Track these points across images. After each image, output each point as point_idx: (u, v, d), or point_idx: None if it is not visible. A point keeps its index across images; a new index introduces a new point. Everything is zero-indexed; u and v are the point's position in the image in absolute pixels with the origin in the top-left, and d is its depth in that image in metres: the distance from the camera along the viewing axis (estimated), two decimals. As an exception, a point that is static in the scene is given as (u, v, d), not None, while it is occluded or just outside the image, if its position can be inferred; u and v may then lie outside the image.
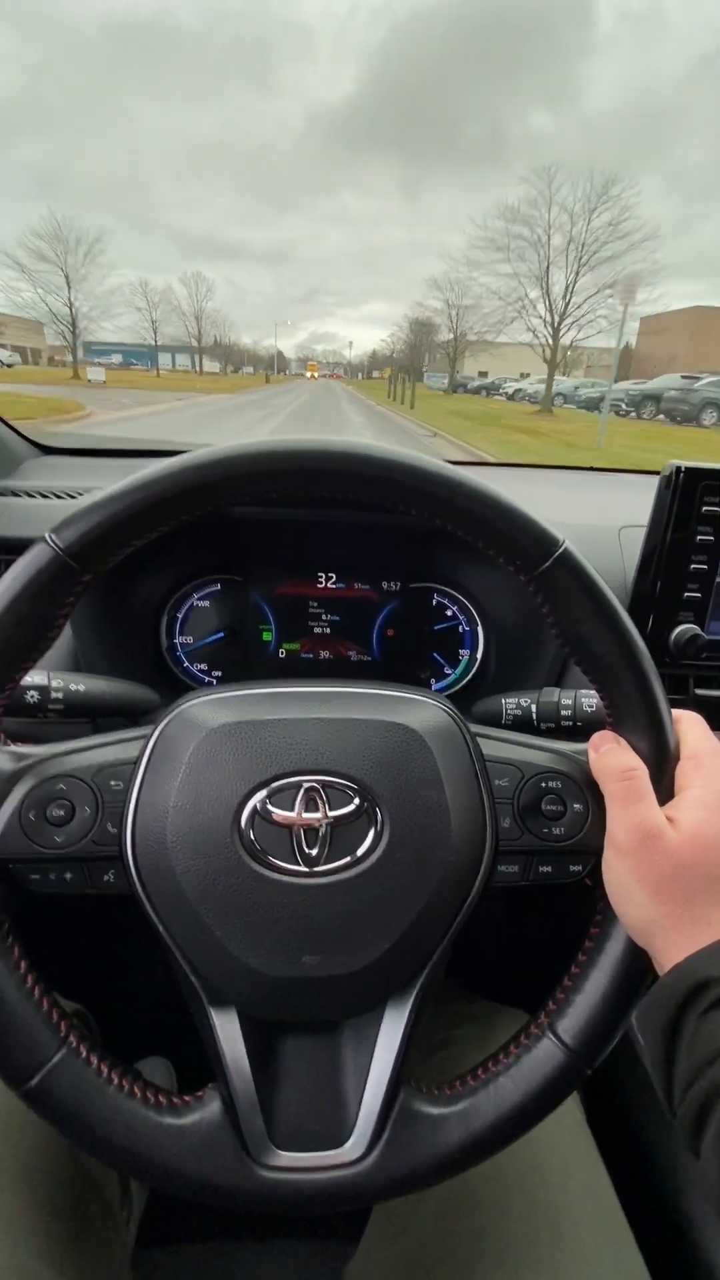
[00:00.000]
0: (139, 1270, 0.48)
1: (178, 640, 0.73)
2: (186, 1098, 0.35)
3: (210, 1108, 0.35)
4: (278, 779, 0.34)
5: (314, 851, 0.34)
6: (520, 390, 24.99)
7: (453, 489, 0.33)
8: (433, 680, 0.75)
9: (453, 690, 0.75)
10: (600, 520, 0.72)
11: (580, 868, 0.37)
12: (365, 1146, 0.35)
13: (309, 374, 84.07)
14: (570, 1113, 0.50)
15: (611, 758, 0.35)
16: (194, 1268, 0.52)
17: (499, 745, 0.39)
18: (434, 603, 0.75)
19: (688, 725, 0.36)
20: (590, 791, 0.37)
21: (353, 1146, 0.35)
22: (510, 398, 25.66)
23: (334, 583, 0.73)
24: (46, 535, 0.33)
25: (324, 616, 0.74)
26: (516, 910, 0.89)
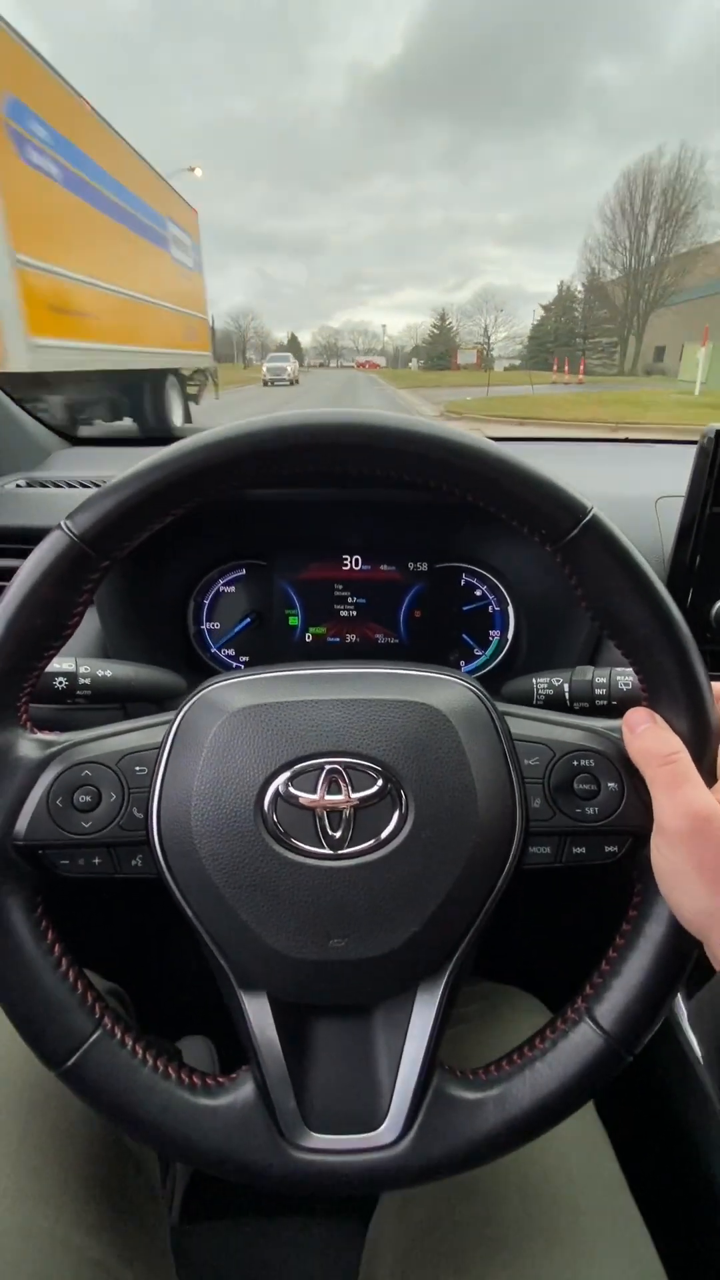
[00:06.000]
0: (179, 1246, 0.49)
1: (205, 626, 0.73)
2: (221, 1079, 0.36)
3: (244, 1089, 0.35)
4: (299, 761, 0.34)
5: (338, 834, 0.33)
6: None
7: (473, 458, 0.32)
8: (462, 662, 0.74)
9: (483, 672, 0.74)
10: (636, 491, 0.69)
11: (616, 849, 0.36)
12: (399, 1130, 0.34)
13: (269, 374, 29.90)
14: None
15: (650, 739, 0.33)
16: (231, 1244, 0.53)
17: (528, 724, 0.38)
18: (462, 583, 0.73)
19: None
20: (625, 770, 0.36)
21: (387, 1130, 0.35)
22: None
23: (359, 565, 0.73)
24: (61, 523, 0.33)
25: (350, 599, 0.73)
26: (520, 893, 0.88)
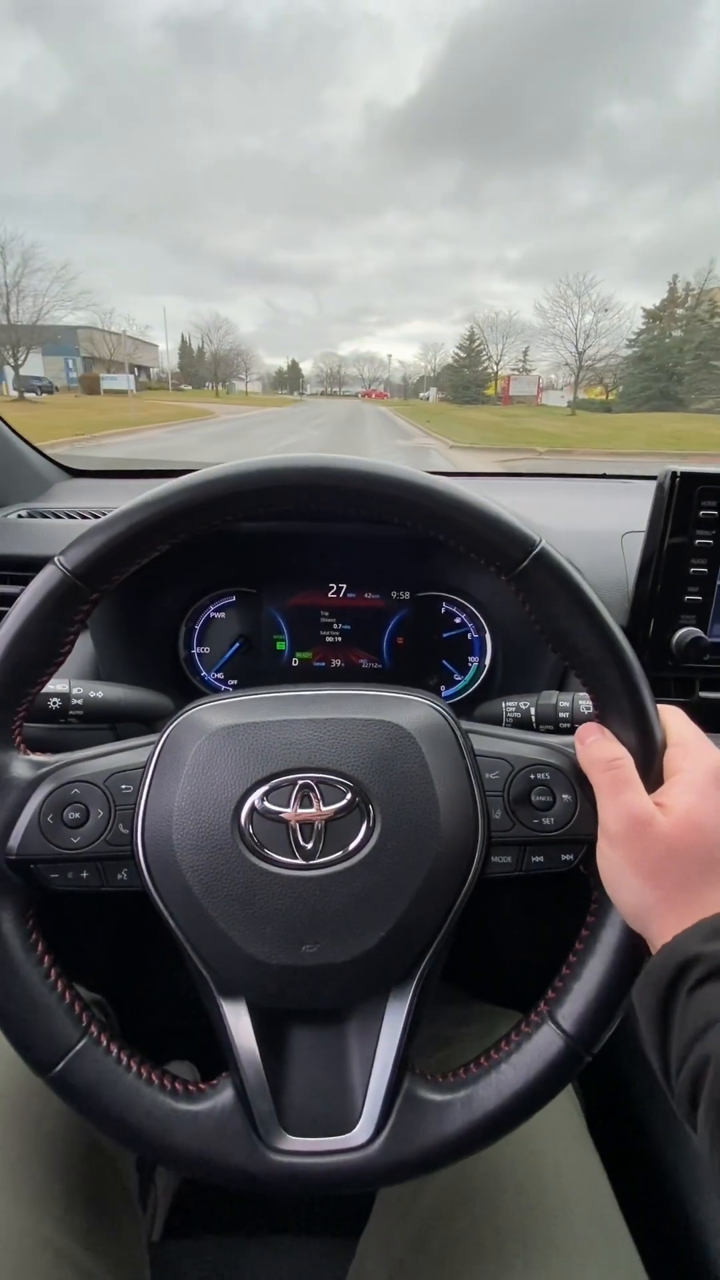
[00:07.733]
0: (156, 1257, 0.49)
1: (195, 650, 0.76)
2: (202, 1085, 0.37)
3: (223, 1095, 0.36)
4: (274, 777, 0.36)
5: (310, 845, 0.36)
6: None
7: (431, 496, 0.35)
8: (442, 687, 0.77)
9: (462, 696, 0.76)
10: (603, 526, 0.73)
11: (571, 856, 0.38)
12: (371, 1131, 0.36)
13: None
14: (568, 1113, 0.50)
15: (597, 749, 0.36)
16: (208, 1258, 0.54)
17: (489, 740, 0.40)
18: (442, 611, 0.76)
19: (670, 715, 0.37)
20: (578, 782, 0.38)
21: (359, 1131, 0.36)
22: None
23: (345, 593, 0.76)
24: (55, 559, 0.36)
25: (335, 626, 0.76)
26: (516, 915, 0.89)
